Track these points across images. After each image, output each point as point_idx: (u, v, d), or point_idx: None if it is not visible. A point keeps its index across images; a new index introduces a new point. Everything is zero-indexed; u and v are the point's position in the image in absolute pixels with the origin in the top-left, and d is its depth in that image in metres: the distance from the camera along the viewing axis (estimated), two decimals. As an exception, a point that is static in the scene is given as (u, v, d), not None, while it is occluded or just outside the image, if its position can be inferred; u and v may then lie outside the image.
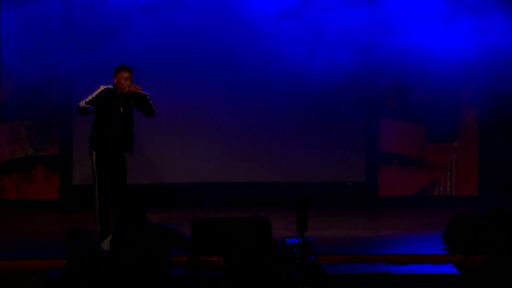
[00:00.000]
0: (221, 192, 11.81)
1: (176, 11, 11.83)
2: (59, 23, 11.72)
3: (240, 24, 11.79)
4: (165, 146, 12.01)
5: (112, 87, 9.47)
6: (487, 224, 7.72)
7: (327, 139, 12.14)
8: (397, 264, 8.56)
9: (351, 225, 10.71)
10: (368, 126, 12.24)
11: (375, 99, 12.19)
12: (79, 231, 7.06)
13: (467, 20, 11.54)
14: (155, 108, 9.57)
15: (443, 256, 8.84)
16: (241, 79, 11.79)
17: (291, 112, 12.12)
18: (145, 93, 9.42)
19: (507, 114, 11.99)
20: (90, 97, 9.39)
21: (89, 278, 6.95)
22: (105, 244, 9.10)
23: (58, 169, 12.05)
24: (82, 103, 9.34)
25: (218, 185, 12.02)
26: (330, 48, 11.58)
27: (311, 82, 11.77)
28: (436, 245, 9.20)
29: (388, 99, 12.22)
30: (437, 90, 12.11)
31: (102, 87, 9.45)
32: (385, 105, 12.22)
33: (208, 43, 11.89)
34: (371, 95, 12.18)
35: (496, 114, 12.03)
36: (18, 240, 9.67)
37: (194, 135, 12.02)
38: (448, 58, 11.82)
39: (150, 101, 9.48)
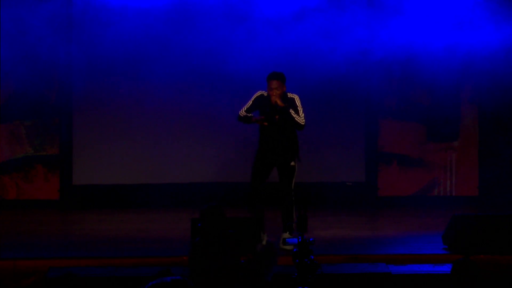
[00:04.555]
0: (221, 192, 11.79)
1: (176, 10, 11.82)
2: (59, 23, 11.71)
3: (239, 24, 11.78)
4: (165, 146, 12.00)
5: (266, 94, 9.08)
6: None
7: (327, 139, 12.14)
8: (397, 264, 8.54)
9: (351, 225, 10.70)
10: (368, 126, 12.23)
11: (375, 99, 12.19)
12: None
13: (468, 20, 11.54)
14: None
15: (443, 256, 8.82)
16: (241, 79, 11.77)
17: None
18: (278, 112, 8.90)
19: (507, 114, 11.99)
20: (248, 104, 9.00)
21: None
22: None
23: (58, 169, 12.04)
24: (242, 112, 8.95)
25: (218, 185, 12.01)
26: (330, 48, 11.57)
27: (311, 81, 11.76)
28: (436, 245, 9.18)
29: (388, 99, 12.21)
30: (437, 90, 12.11)
31: (258, 92, 9.05)
32: (385, 105, 12.22)
33: (207, 42, 11.88)
34: (371, 95, 12.17)
35: (496, 113, 12.03)
36: (18, 240, 9.65)
37: (195, 135, 12.01)
38: (448, 58, 11.82)
39: (295, 120, 9.00)
